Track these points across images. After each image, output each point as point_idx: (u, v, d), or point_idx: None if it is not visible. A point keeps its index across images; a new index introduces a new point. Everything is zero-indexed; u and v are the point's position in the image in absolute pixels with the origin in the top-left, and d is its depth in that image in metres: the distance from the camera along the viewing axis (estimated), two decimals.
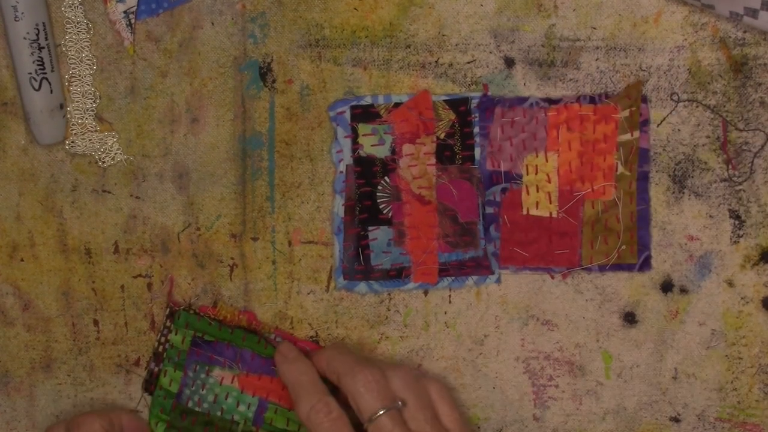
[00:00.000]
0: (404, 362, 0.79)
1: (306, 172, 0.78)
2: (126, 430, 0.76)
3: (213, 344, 0.77)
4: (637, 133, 0.76)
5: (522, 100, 0.76)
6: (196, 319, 0.77)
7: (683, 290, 0.78)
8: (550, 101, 0.76)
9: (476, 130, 0.77)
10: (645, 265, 0.77)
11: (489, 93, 0.77)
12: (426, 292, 0.79)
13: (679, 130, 0.76)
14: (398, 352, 0.79)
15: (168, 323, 0.77)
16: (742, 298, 0.78)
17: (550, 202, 0.77)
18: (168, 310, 0.78)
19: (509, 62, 0.76)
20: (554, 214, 0.77)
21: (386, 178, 0.77)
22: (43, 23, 0.75)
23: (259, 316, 0.79)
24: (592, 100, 0.76)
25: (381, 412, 0.70)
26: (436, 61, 0.77)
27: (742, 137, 0.76)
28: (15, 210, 0.79)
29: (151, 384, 0.78)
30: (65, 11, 0.77)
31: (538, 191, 0.77)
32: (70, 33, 0.77)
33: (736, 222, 0.77)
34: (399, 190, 0.77)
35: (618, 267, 0.77)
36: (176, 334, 0.77)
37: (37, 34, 0.75)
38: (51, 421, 0.80)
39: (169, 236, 0.79)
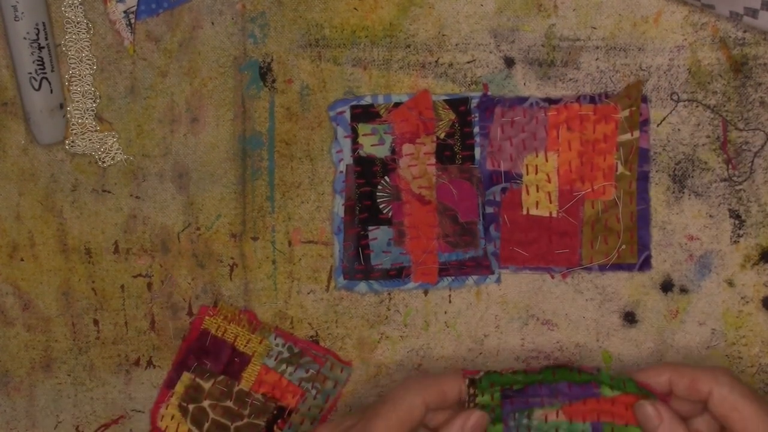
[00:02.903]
0: (404, 362, 0.79)
1: (306, 172, 0.78)
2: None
3: (524, 390, 0.72)
4: (637, 133, 0.76)
5: (522, 100, 0.76)
6: (499, 376, 0.72)
7: (683, 290, 0.78)
8: (550, 101, 0.76)
9: (476, 129, 0.77)
10: (645, 264, 0.77)
11: (489, 93, 0.77)
12: (426, 292, 0.79)
13: (679, 129, 0.76)
14: (398, 351, 0.79)
15: (471, 391, 0.72)
16: (742, 298, 0.78)
17: (550, 202, 0.77)
18: (467, 380, 0.72)
19: (509, 62, 0.76)
20: (554, 214, 0.77)
21: (386, 177, 0.77)
22: (43, 23, 0.75)
23: (259, 315, 0.79)
24: (592, 100, 0.76)
25: None
26: (436, 61, 0.77)
27: (742, 137, 0.76)
28: (15, 210, 0.79)
29: None
30: (65, 11, 0.77)
31: (538, 191, 0.77)
32: (70, 33, 0.77)
33: (736, 222, 0.77)
34: (399, 189, 0.77)
35: (618, 267, 0.77)
36: (483, 396, 0.72)
37: (37, 34, 0.75)
38: (51, 421, 0.81)
39: (169, 236, 0.79)
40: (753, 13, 0.72)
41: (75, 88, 0.78)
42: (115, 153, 0.78)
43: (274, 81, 0.77)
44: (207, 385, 0.79)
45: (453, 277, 0.78)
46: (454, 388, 0.71)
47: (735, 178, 0.76)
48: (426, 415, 0.70)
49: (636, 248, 0.77)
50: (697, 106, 0.76)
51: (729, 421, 0.69)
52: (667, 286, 0.77)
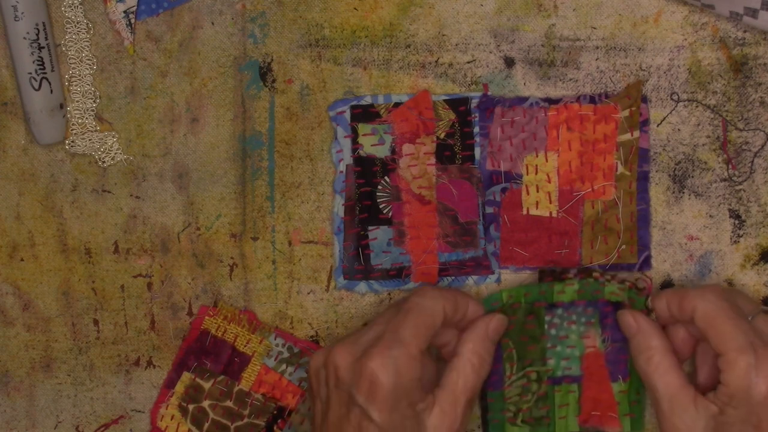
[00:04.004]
0: None
1: (306, 172, 0.78)
2: (467, 320, 0.74)
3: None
4: (637, 133, 0.76)
5: (522, 100, 0.76)
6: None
7: None
8: (550, 101, 0.76)
9: (476, 130, 0.77)
10: (645, 264, 0.77)
11: (489, 93, 0.77)
12: None
13: (679, 130, 0.76)
14: None
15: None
16: None
17: (550, 202, 0.77)
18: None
19: (509, 62, 0.76)
20: (554, 214, 0.77)
21: (386, 177, 0.77)
22: (43, 23, 0.75)
23: (259, 315, 0.79)
24: (592, 100, 0.76)
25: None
26: (436, 61, 0.77)
27: (742, 137, 0.76)
28: (15, 210, 0.79)
29: None
30: (65, 11, 0.77)
31: (538, 191, 0.77)
32: (70, 33, 0.77)
33: (736, 222, 0.77)
34: (399, 189, 0.77)
35: (618, 267, 0.77)
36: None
37: (37, 34, 0.75)
38: (51, 421, 0.81)
39: (169, 236, 0.79)
40: (753, 13, 0.72)
41: (75, 88, 0.78)
42: (115, 153, 0.78)
43: (274, 81, 0.77)
44: (207, 385, 0.79)
45: (453, 277, 0.78)
46: (465, 303, 0.73)
47: (735, 178, 0.76)
48: (443, 321, 0.72)
49: (636, 248, 0.77)
50: (697, 106, 0.76)
51: (708, 336, 0.70)
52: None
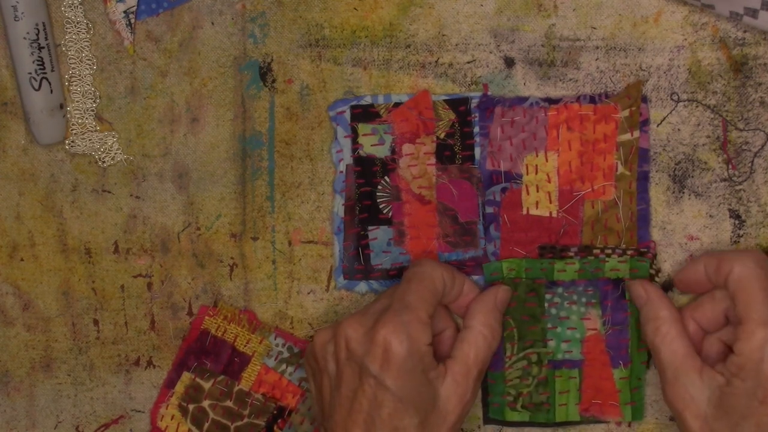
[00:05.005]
0: None
1: (306, 172, 0.78)
2: (464, 297, 0.75)
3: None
4: (637, 133, 0.76)
5: (522, 99, 0.76)
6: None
7: None
8: (550, 101, 0.76)
9: (476, 129, 0.77)
10: None
11: (489, 93, 0.77)
12: None
13: (679, 130, 0.76)
14: None
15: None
16: None
17: (550, 202, 0.77)
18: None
19: (509, 62, 0.76)
20: (554, 214, 0.77)
21: (386, 177, 0.77)
22: (43, 23, 0.75)
23: (259, 315, 0.79)
24: (592, 99, 0.76)
25: None
26: (436, 61, 0.77)
27: (742, 137, 0.76)
28: (15, 210, 0.79)
29: None
30: (65, 11, 0.77)
31: (538, 191, 0.77)
32: (70, 33, 0.77)
33: (736, 222, 0.77)
34: (399, 189, 0.77)
35: None
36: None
37: (37, 34, 0.75)
38: (51, 421, 0.81)
39: (169, 236, 0.79)
40: (753, 13, 0.72)
41: (75, 88, 0.78)
42: (115, 153, 0.78)
43: (274, 81, 0.77)
44: (207, 385, 0.79)
45: None
46: (462, 278, 0.75)
47: (735, 178, 0.76)
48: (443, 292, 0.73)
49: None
50: (697, 106, 0.76)
51: (735, 300, 0.69)
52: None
